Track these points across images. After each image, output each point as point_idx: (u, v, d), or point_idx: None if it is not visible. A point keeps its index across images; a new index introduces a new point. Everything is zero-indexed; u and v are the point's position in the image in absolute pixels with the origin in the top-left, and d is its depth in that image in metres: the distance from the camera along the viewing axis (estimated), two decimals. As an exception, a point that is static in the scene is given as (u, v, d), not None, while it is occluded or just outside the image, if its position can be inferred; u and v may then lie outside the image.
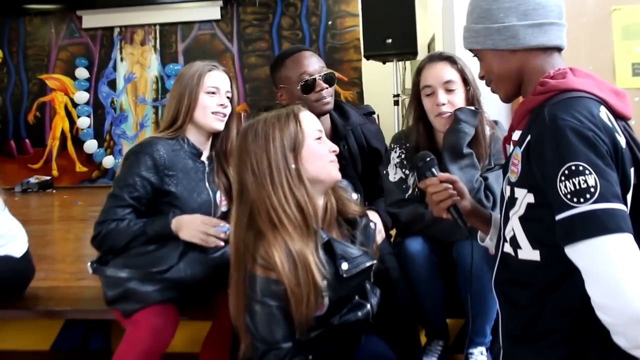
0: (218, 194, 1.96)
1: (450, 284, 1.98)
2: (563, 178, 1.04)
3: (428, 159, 1.46)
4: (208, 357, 1.92)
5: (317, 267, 1.36)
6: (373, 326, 1.60)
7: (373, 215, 1.86)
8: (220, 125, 1.92)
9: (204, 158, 1.96)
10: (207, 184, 1.93)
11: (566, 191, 1.03)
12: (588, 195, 1.01)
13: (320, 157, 1.45)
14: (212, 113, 1.89)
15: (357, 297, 1.49)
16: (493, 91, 1.34)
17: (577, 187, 1.02)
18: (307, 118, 1.48)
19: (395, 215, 1.98)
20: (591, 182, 1.02)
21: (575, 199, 1.02)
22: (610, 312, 1.00)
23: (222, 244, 1.81)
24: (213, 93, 1.90)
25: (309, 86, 2.03)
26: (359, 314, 1.45)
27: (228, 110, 1.93)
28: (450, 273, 1.97)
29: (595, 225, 1.00)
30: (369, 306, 1.48)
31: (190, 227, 1.80)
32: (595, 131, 1.06)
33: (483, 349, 1.98)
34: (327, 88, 2.05)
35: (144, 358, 1.75)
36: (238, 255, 1.42)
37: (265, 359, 1.36)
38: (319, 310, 1.39)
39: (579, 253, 1.03)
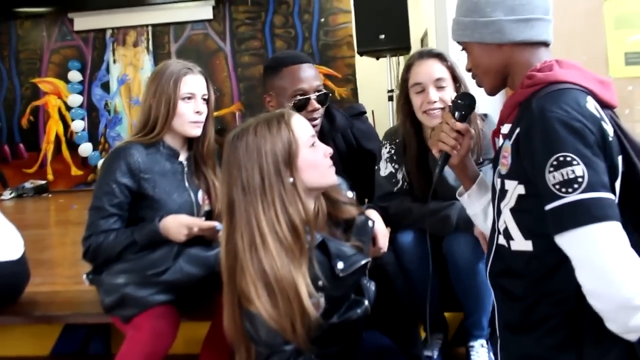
0: (200, 194, 1.94)
1: (448, 278, 1.98)
2: (552, 169, 1.06)
3: (467, 102, 1.43)
4: (208, 358, 1.91)
5: (309, 290, 1.30)
6: (373, 322, 1.59)
7: (374, 215, 1.83)
8: (198, 132, 1.90)
9: (182, 159, 1.94)
10: (187, 184, 1.92)
11: (555, 181, 1.06)
12: (576, 185, 1.04)
13: (316, 165, 1.39)
14: (190, 122, 1.86)
15: (353, 295, 1.47)
16: (478, 84, 1.35)
17: (566, 177, 1.05)
18: (299, 123, 1.40)
19: (384, 209, 1.95)
20: (579, 172, 1.04)
21: (563, 189, 1.05)
22: (600, 298, 1.04)
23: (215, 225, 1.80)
24: (189, 99, 1.87)
25: (302, 105, 1.98)
26: (358, 311, 1.44)
27: (204, 115, 1.90)
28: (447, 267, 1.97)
29: (583, 214, 1.03)
30: (366, 302, 1.46)
31: (173, 226, 1.79)
32: (583, 121, 1.08)
33: (483, 341, 2.00)
34: (319, 109, 2.02)
35: (145, 361, 1.74)
36: (228, 274, 1.36)
37: None
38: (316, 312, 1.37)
39: (569, 242, 1.06)
